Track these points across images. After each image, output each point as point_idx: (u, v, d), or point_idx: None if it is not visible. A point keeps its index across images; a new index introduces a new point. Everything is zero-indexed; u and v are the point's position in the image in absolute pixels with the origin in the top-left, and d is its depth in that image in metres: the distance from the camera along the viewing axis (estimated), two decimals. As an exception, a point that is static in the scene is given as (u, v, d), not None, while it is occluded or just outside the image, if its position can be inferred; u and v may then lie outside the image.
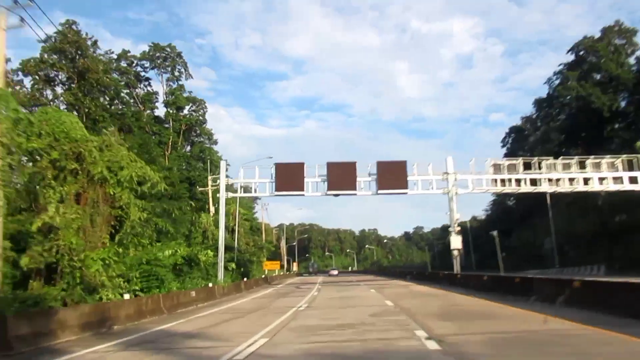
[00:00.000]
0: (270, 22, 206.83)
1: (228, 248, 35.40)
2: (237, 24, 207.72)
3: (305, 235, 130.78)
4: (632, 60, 53.06)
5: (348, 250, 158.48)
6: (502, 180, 32.66)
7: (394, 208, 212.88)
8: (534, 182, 32.81)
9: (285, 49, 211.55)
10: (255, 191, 35.37)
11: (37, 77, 40.66)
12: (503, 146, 70.81)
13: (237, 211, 44.99)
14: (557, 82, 58.53)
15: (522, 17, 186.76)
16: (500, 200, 70.89)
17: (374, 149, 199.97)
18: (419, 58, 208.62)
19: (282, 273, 65.93)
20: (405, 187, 32.59)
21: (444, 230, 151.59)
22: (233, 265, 33.56)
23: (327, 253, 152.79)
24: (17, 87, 38.84)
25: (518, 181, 32.80)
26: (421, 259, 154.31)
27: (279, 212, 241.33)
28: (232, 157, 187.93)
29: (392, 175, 32.09)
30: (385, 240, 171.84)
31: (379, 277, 55.49)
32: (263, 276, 47.41)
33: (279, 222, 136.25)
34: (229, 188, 34.25)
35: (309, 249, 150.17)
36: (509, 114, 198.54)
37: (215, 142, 57.59)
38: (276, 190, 32.35)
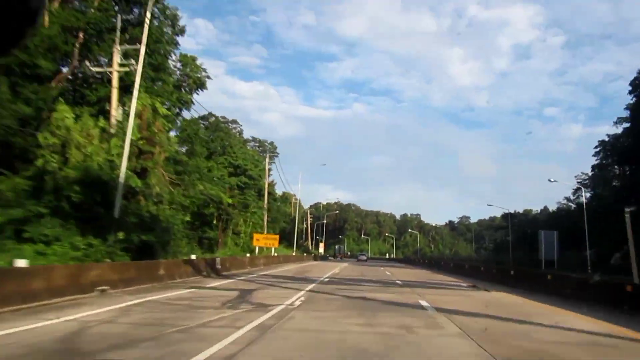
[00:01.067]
0: (325, 2, 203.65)
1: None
2: (292, 2, 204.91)
3: (336, 212, 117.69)
4: None
5: (387, 235, 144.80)
6: None
7: (437, 196, 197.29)
8: None
9: (339, 29, 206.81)
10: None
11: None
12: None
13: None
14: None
15: (586, 8, 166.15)
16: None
17: (423, 135, 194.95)
18: (474, 45, 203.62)
19: (293, 254, 52.43)
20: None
21: (491, 221, 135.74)
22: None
23: (363, 236, 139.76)
24: None
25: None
26: (465, 252, 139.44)
27: (317, 192, 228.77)
28: (278, 137, 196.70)
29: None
30: (428, 229, 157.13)
31: (430, 271, 40.33)
32: (245, 256, 30.12)
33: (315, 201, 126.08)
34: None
35: (344, 230, 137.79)
36: (565, 110, 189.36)
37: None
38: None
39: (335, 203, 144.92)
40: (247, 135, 67.80)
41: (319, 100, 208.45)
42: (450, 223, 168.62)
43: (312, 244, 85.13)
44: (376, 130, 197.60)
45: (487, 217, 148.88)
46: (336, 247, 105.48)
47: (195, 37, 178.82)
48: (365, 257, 74.03)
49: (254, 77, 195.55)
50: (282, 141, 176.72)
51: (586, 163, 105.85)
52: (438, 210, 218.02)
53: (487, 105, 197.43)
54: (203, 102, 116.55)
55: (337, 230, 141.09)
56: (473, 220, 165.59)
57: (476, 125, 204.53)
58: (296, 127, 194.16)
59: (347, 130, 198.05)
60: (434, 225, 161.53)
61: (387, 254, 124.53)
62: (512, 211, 75.85)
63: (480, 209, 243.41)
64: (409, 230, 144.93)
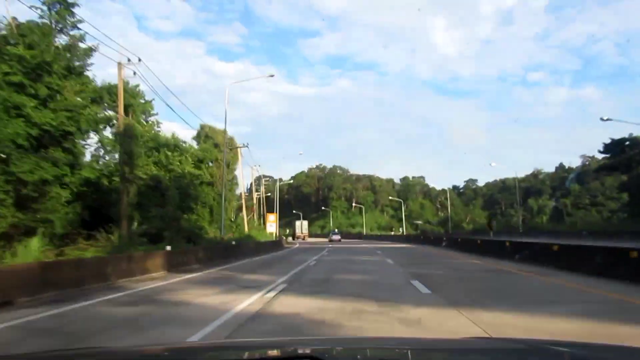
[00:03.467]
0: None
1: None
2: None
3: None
4: None
5: (386, 205, 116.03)
6: None
7: (431, 165, 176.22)
8: None
9: (320, 4, 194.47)
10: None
11: None
12: None
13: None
14: None
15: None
16: None
17: (410, 109, 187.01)
18: (457, 14, 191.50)
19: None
20: None
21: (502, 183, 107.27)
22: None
23: (354, 206, 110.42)
24: None
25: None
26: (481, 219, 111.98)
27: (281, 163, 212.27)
28: (264, 117, 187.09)
29: None
30: (434, 194, 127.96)
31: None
32: None
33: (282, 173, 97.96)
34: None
35: (329, 201, 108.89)
36: (550, 73, 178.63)
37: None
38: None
39: (317, 168, 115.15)
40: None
41: (302, 77, 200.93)
42: (455, 188, 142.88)
43: (260, 221, 56.13)
44: (363, 106, 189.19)
45: (492, 180, 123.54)
46: (298, 222, 75.85)
47: (172, 19, 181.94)
48: (338, 237, 61.58)
49: (235, 57, 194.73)
50: (268, 120, 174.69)
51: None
52: (439, 174, 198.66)
53: (472, 74, 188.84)
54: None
55: (322, 201, 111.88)
56: (481, 183, 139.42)
57: (462, 94, 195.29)
58: (281, 106, 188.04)
59: (333, 107, 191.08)
60: (442, 189, 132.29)
61: (392, 230, 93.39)
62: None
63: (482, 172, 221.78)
64: (414, 195, 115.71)
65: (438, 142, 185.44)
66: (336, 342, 3.01)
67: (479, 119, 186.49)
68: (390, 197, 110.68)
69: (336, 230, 73.71)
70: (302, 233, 70.43)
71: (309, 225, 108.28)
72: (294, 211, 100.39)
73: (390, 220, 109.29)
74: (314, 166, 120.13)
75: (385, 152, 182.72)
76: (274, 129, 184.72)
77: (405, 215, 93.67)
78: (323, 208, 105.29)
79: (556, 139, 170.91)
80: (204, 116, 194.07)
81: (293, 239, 66.11)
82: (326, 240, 60.62)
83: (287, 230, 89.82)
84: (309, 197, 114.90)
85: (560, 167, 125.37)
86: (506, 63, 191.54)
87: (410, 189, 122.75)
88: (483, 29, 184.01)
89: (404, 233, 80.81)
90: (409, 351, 1.98)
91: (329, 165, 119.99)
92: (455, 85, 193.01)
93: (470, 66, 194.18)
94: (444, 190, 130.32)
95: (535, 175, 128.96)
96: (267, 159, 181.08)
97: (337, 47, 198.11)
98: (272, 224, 49.93)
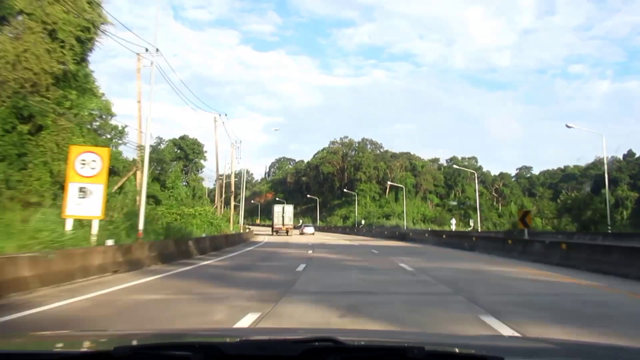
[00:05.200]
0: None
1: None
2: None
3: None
4: None
5: (430, 191, 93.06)
6: None
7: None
8: None
9: None
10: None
11: None
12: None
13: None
14: None
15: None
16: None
17: (443, 100, 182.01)
18: (495, 3, 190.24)
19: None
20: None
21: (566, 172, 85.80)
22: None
23: (389, 188, 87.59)
24: None
25: None
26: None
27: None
28: (296, 108, 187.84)
29: None
30: (491, 179, 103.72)
31: None
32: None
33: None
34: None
35: (356, 184, 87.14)
36: (591, 66, 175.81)
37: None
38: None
39: (341, 142, 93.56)
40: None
41: (336, 68, 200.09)
42: (506, 176, 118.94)
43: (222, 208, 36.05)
44: (396, 97, 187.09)
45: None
46: (277, 208, 49.90)
47: (207, 7, 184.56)
48: (312, 231, 51.62)
49: (269, 47, 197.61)
50: (300, 111, 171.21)
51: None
52: (492, 157, 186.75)
53: (510, 66, 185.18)
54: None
55: (347, 184, 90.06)
56: (536, 171, 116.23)
57: (499, 86, 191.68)
58: (314, 97, 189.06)
59: (367, 98, 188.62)
60: (498, 174, 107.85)
61: (451, 223, 62.70)
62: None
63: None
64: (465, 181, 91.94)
65: (471, 136, 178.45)
66: (350, 332, 3.37)
67: (516, 112, 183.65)
68: (430, 190, 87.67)
69: (308, 224, 62.51)
70: (283, 225, 47.45)
71: (329, 213, 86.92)
72: (308, 196, 79.68)
73: (440, 212, 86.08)
74: (337, 140, 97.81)
75: (421, 144, 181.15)
76: (307, 120, 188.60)
77: (457, 204, 71.35)
78: (345, 190, 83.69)
79: (597, 133, 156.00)
80: (237, 106, 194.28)
81: (273, 233, 47.02)
82: (331, 238, 40.05)
83: (301, 221, 69.83)
84: (330, 178, 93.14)
85: (629, 154, 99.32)
86: (546, 54, 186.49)
87: (457, 175, 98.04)
88: (523, 18, 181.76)
89: (479, 229, 54.82)
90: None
91: (357, 139, 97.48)
92: (492, 77, 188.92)
93: (508, 57, 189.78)
94: (500, 176, 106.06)
95: (596, 164, 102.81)
96: (299, 152, 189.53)
97: (372, 37, 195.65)
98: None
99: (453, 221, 53.76)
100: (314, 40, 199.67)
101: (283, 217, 47.44)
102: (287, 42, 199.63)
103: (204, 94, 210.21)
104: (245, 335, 2.36)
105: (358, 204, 77.99)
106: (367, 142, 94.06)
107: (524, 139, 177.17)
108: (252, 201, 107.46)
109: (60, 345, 2.14)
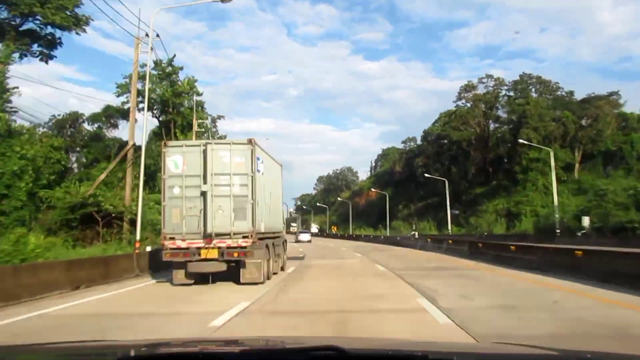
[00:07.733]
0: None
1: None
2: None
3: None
4: None
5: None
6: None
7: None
8: None
9: None
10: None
11: None
12: None
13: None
14: None
15: None
16: None
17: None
18: None
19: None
20: None
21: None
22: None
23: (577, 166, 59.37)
24: None
25: None
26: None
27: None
28: (410, 114, 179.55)
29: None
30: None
31: None
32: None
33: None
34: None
35: (516, 155, 60.90)
36: None
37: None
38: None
39: (480, 81, 67.81)
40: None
41: (450, 71, 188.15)
42: None
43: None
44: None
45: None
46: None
47: (318, 22, 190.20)
48: (308, 237, 47.73)
49: (380, 55, 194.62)
50: (415, 118, 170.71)
51: None
52: None
53: None
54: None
55: (497, 158, 63.57)
56: None
57: (634, 75, 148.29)
58: (430, 102, 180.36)
59: None
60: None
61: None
62: None
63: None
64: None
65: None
66: (352, 340, 3.54)
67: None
68: None
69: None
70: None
71: (468, 207, 57.76)
72: (425, 174, 56.70)
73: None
74: (474, 80, 65.38)
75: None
76: (423, 126, 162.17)
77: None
78: (505, 166, 54.45)
79: None
80: (352, 118, 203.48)
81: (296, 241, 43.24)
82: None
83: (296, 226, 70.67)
84: (464, 151, 65.79)
85: None
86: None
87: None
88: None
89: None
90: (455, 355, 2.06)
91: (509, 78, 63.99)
92: (625, 67, 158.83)
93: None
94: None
95: None
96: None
97: (487, 37, 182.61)
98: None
99: None
100: (426, 45, 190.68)
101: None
102: (399, 49, 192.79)
103: (317, 107, 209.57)
104: (249, 344, 2.32)
105: (532, 188, 50.89)
106: (531, 80, 60.04)
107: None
108: (351, 202, 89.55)
109: (62, 355, 2.14)
